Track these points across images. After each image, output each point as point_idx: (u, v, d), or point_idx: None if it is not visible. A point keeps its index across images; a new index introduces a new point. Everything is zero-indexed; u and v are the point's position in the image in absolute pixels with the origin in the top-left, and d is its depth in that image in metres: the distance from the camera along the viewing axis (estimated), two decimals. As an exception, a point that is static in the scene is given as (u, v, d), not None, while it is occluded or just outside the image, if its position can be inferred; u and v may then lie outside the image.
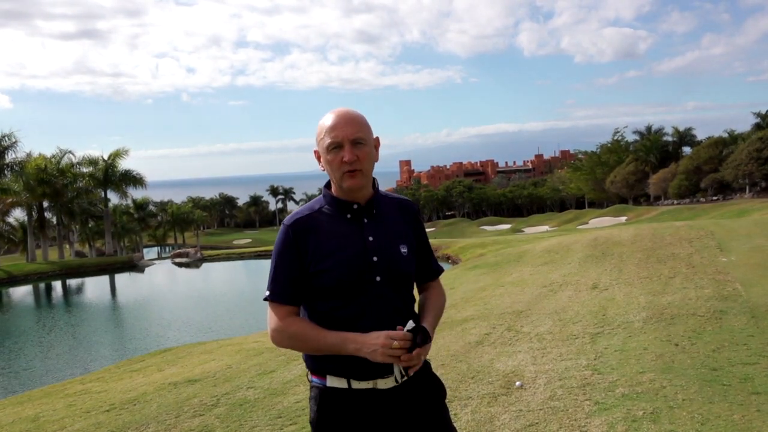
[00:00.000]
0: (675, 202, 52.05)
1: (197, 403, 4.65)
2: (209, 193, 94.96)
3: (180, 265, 34.06)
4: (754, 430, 3.26)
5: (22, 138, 36.07)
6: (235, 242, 61.92)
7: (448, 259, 22.39)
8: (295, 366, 5.59)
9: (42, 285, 28.51)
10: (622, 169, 60.60)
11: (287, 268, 1.79)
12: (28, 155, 36.10)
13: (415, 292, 1.96)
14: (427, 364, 1.91)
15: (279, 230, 1.85)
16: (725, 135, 55.62)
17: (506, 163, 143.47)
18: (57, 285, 28.66)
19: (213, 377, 5.53)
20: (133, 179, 38.74)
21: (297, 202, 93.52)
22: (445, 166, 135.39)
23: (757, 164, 44.03)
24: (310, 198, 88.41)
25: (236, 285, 26.75)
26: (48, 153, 36.80)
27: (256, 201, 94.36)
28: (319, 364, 1.80)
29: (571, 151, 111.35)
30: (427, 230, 3.31)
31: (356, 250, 1.77)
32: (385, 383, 1.77)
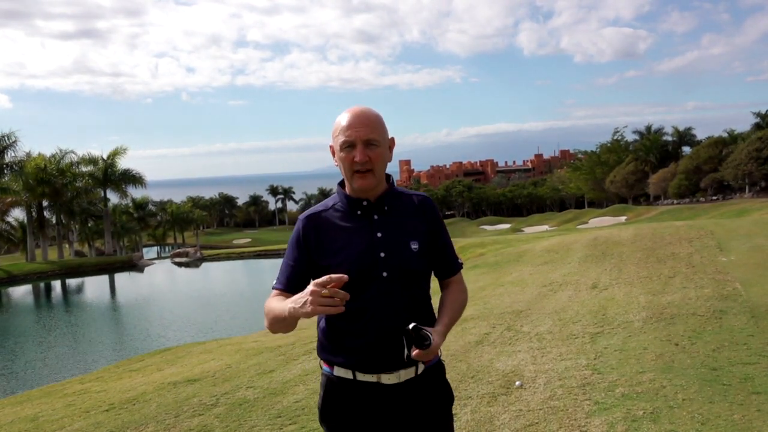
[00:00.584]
0: (675, 201, 52.05)
1: (197, 402, 4.65)
2: (209, 193, 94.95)
3: (179, 264, 34.07)
4: (755, 429, 3.25)
5: (21, 137, 36.14)
6: (234, 242, 61.90)
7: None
8: (295, 366, 5.58)
9: (41, 285, 28.51)
10: (622, 168, 60.59)
11: (293, 260, 1.87)
12: (28, 155, 36.15)
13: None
14: (441, 368, 1.93)
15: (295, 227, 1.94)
16: (725, 135, 55.63)
17: (506, 162, 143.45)
18: (56, 285, 28.67)
19: (212, 377, 5.52)
20: (132, 179, 38.74)
21: (296, 202, 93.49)
22: (445, 165, 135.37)
23: (756, 164, 44.04)
24: (309, 198, 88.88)
25: (236, 285, 26.76)
26: (47, 152, 36.87)
27: (255, 201, 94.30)
28: (328, 354, 1.87)
29: (571, 151, 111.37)
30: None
31: (363, 246, 1.79)
32: (388, 378, 1.80)
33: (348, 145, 1.78)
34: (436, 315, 1.91)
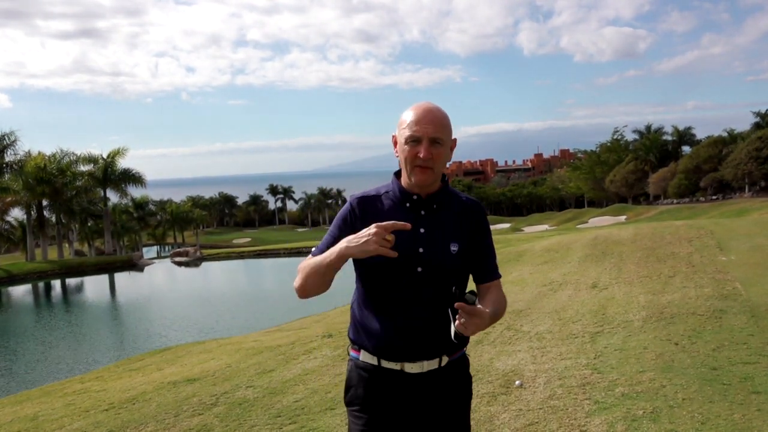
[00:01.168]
0: (674, 201, 52.03)
1: (196, 402, 4.64)
2: (209, 192, 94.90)
3: (179, 264, 34.06)
4: (755, 429, 3.25)
5: (21, 137, 36.12)
6: (234, 241, 61.88)
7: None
8: (295, 365, 5.58)
9: (41, 284, 28.50)
10: (622, 168, 60.57)
11: (335, 232, 1.91)
12: (28, 154, 36.13)
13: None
14: (465, 361, 1.98)
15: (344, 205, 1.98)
16: (725, 134, 55.59)
17: (506, 162, 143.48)
18: (56, 284, 28.66)
19: (212, 376, 5.52)
20: (132, 178, 38.71)
21: (296, 202, 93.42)
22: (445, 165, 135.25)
23: (756, 163, 44.03)
24: (309, 197, 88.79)
25: (236, 284, 26.77)
26: (47, 152, 36.82)
27: (255, 200, 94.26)
28: (357, 340, 1.94)
29: (571, 151, 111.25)
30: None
31: (404, 238, 1.81)
32: (411, 368, 1.85)
33: (413, 140, 1.81)
34: None
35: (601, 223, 42.31)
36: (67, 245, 42.76)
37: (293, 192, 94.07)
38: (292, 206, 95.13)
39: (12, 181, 33.94)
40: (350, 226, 1.88)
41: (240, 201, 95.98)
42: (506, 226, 56.04)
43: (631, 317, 6.07)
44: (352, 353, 1.97)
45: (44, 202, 36.19)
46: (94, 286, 28.19)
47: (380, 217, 1.84)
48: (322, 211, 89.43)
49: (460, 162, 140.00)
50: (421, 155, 1.79)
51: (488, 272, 1.97)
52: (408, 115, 1.84)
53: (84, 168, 37.99)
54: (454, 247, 1.86)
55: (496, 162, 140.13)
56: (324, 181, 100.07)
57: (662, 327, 5.54)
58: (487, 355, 5.20)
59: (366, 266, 1.87)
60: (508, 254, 14.46)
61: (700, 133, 64.15)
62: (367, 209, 1.89)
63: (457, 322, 1.66)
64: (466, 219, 1.92)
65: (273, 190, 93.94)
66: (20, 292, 27.06)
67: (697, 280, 7.76)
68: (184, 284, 28.63)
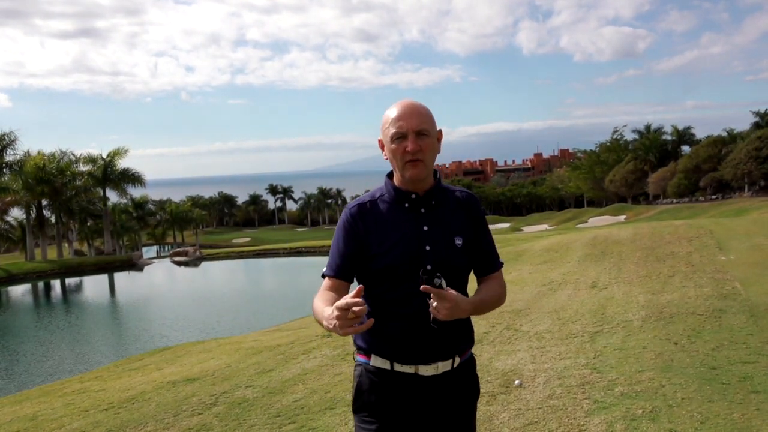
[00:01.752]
0: (674, 201, 52.02)
1: (196, 401, 4.64)
2: (208, 192, 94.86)
3: (179, 263, 34.04)
4: (754, 428, 3.25)
5: (21, 137, 36.11)
6: (234, 241, 61.84)
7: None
8: (294, 365, 5.58)
9: (41, 284, 28.48)
10: (621, 168, 60.57)
11: (342, 246, 1.88)
12: (27, 154, 36.09)
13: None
14: (472, 362, 1.99)
15: (341, 215, 1.94)
16: (724, 134, 55.59)
17: (505, 161, 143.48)
18: (56, 284, 28.63)
19: (212, 376, 5.52)
20: (132, 178, 38.68)
21: (296, 201, 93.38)
22: (444, 164, 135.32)
23: (756, 163, 44.03)
24: (309, 197, 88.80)
25: (235, 284, 26.75)
26: (47, 152, 36.79)
27: (255, 200, 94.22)
28: (366, 344, 1.89)
29: (570, 150, 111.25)
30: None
31: (410, 238, 1.81)
32: (426, 370, 1.83)
33: (399, 136, 1.81)
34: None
35: (600, 222, 42.31)
36: (66, 245, 42.72)
37: (293, 192, 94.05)
38: (291, 206, 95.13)
39: (11, 181, 33.91)
40: (353, 235, 1.85)
41: (239, 201, 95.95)
42: (506, 225, 56.03)
43: (630, 317, 6.07)
44: (361, 358, 1.91)
45: (44, 202, 36.18)
46: (94, 285, 28.18)
47: (382, 222, 1.84)
48: (321, 210, 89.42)
49: (460, 161, 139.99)
50: (409, 148, 1.79)
51: (490, 264, 1.98)
52: (389, 114, 1.84)
53: (83, 168, 38.02)
54: (458, 241, 1.87)
55: (496, 162, 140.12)
56: (324, 181, 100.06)
57: (661, 326, 5.54)
58: (487, 354, 5.20)
59: (372, 272, 1.84)
60: (508, 254, 14.46)
61: (700, 133, 64.17)
62: (367, 215, 1.87)
63: (430, 306, 1.66)
64: (464, 212, 1.93)
65: (273, 190, 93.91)
66: (20, 291, 27.05)
67: (696, 279, 7.76)
68: (183, 284, 28.62)
